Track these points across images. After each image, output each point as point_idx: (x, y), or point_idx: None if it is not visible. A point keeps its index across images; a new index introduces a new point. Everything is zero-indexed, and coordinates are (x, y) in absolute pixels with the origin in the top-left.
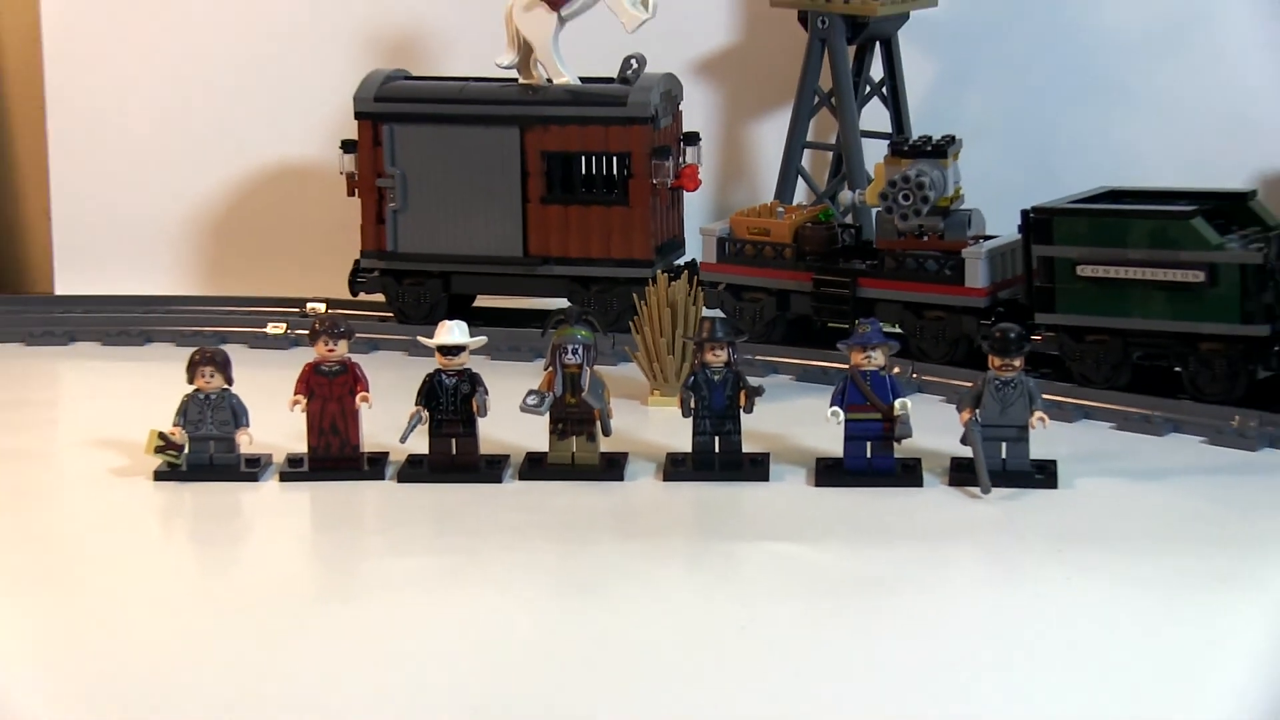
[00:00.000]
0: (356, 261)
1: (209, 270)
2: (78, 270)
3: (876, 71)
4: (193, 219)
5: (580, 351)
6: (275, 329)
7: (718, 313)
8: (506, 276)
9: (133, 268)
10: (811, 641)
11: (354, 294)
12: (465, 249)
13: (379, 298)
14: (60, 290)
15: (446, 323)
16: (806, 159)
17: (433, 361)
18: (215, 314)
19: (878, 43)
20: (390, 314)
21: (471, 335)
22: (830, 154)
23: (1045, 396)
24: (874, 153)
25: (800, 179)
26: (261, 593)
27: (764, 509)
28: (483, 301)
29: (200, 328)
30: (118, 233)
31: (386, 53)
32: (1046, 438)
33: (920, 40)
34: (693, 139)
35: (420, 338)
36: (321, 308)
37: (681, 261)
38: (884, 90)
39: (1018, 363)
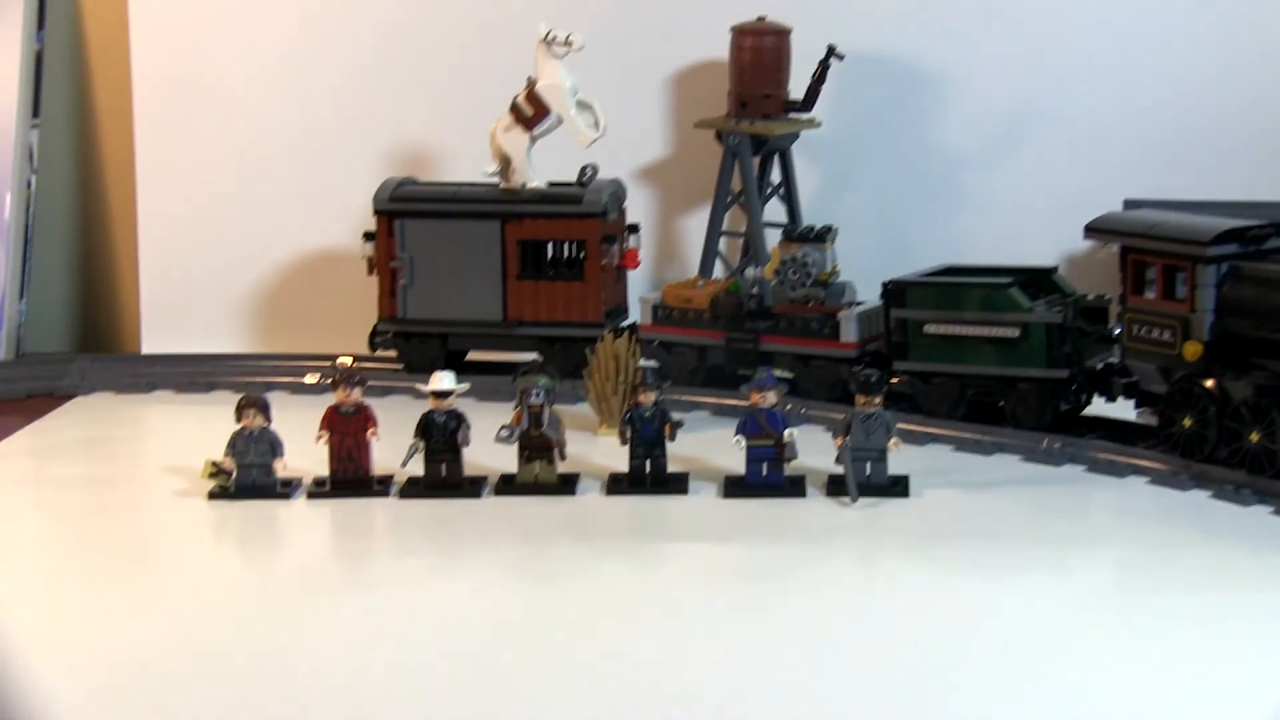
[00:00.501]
0: (375, 325)
1: (262, 332)
2: (159, 332)
3: (777, 176)
4: (250, 291)
5: (541, 394)
6: (311, 379)
7: (652, 363)
8: (490, 336)
9: (202, 329)
10: (718, 619)
11: (373, 350)
12: (459, 315)
13: (392, 353)
14: (145, 350)
15: (438, 373)
16: (723, 244)
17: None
18: (265, 366)
19: (776, 154)
20: (401, 366)
21: (458, 383)
22: (741, 240)
23: (900, 426)
24: (774, 239)
25: (718, 260)
26: (295, 586)
27: (683, 517)
28: (473, 356)
29: (252, 377)
30: (191, 301)
31: (402, 163)
32: (902, 458)
33: (809, 153)
34: (634, 229)
35: (418, 385)
36: (349, 361)
37: (625, 324)
38: (781, 191)
39: (877, 399)
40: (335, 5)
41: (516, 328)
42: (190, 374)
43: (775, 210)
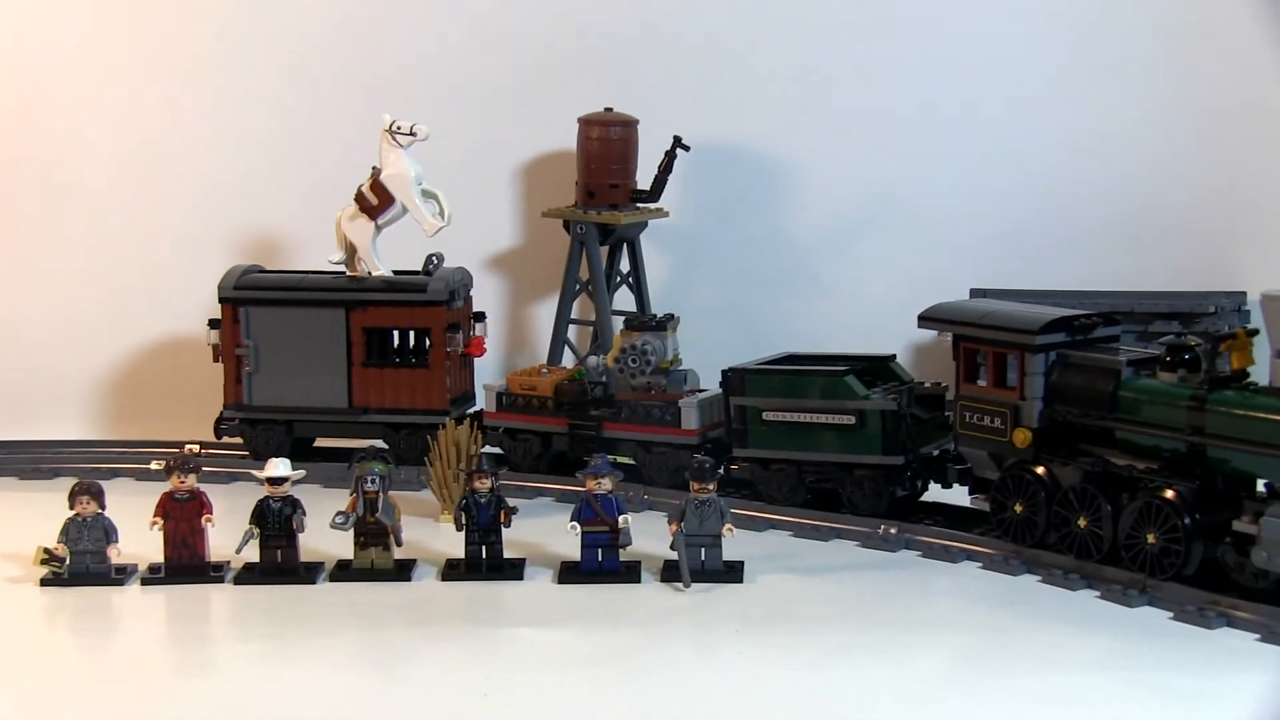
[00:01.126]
0: (221, 412)
1: (109, 419)
2: (4, 418)
3: (626, 265)
4: (95, 378)
5: (377, 481)
6: (156, 465)
7: (495, 449)
8: (336, 423)
9: (48, 415)
10: (554, 704)
11: (218, 437)
12: (304, 402)
13: (239, 440)
14: None
15: (273, 460)
16: (572, 332)
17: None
18: (110, 453)
19: (625, 243)
20: (247, 452)
21: (293, 469)
22: (591, 329)
23: (740, 511)
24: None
25: (567, 347)
26: (128, 670)
27: (519, 602)
28: (320, 442)
29: (97, 464)
30: (36, 386)
31: (250, 250)
32: (739, 543)
33: (658, 241)
34: (480, 317)
35: (253, 471)
36: (195, 448)
37: (472, 410)
38: (630, 279)
39: (711, 486)
40: (182, 94)
41: (362, 414)
42: (34, 461)
43: (625, 298)
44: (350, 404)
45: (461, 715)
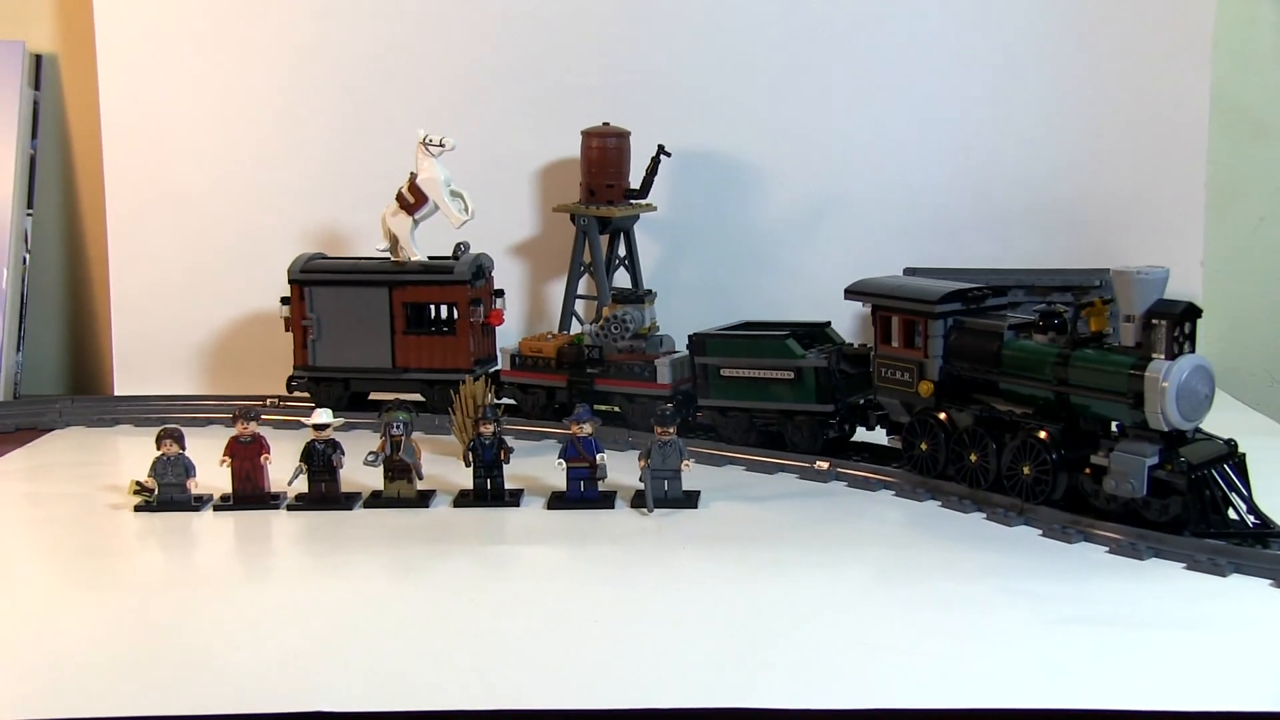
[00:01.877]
0: (291, 372)
1: (205, 377)
2: (128, 378)
3: (623, 251)
4: (195, 344)
5: (401, 426)
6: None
7: (510, 401)
8: (384, 380)
9: (162, 375)
10: (545, 603)
11: (289, 392)
12: (358, 363)
13: (306, 394)
14: (117, 392)
15: (318, 410)
16: (579, 306)
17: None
18: (206, 405)
19: (621, 233)
20: (314, 405)
21: (334, 417)
22: (595, 303)
23: (702, 450)
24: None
25: (574, 319)
26: (206, 578)
27: (516, 524)
28: (373, 396)
29: (195, 414)
30: (152, 352)
31: (314, 241)
32: (701, 476)
33: (650, 231)
34: (500, 293)
35: (302, 419)
36: (275, 400)
37: (492, 370)
38: (626, 262)
39: (672, 429)
40: (262, 118)
41: (404, 373)
42: (145, 411)
43: (624, 278)
44: (394, 364)
45: (472, 612)
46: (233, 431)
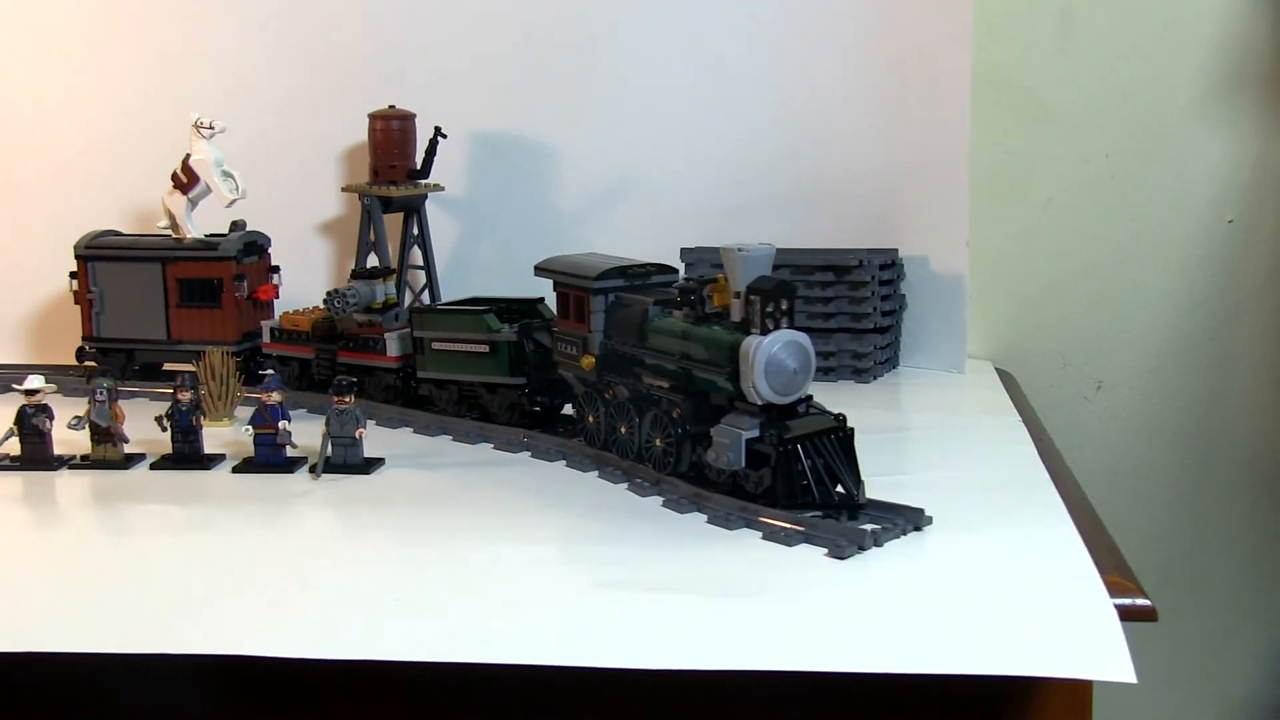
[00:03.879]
0: (81, 343)
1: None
2: None
3: (416, 230)
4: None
5: (104, 392)
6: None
7: (271, 373)
8: (161, 351)
9: None
10: (213, 554)
11: (79, 361)
12: (137, 335)
13: (94, 364)
14: None
15: (30, 376)
16: None
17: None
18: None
19: (413, 212)
20: (98, 373)
21: (46, 384)
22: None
23: (423, 421)
24: (413, 280)
25: None
26: None
27: (205, 486)
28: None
29: None
30: None
31: (131, 216)
32: (389, 442)
33: (449, 211)
34: (275, 269)
35: (13, 385)
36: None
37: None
38: (419, 241)
39: (348, 399)
40: (50, 93)
41: (178, 345)
42: None
43: (418, 257)
44: (169, 336)
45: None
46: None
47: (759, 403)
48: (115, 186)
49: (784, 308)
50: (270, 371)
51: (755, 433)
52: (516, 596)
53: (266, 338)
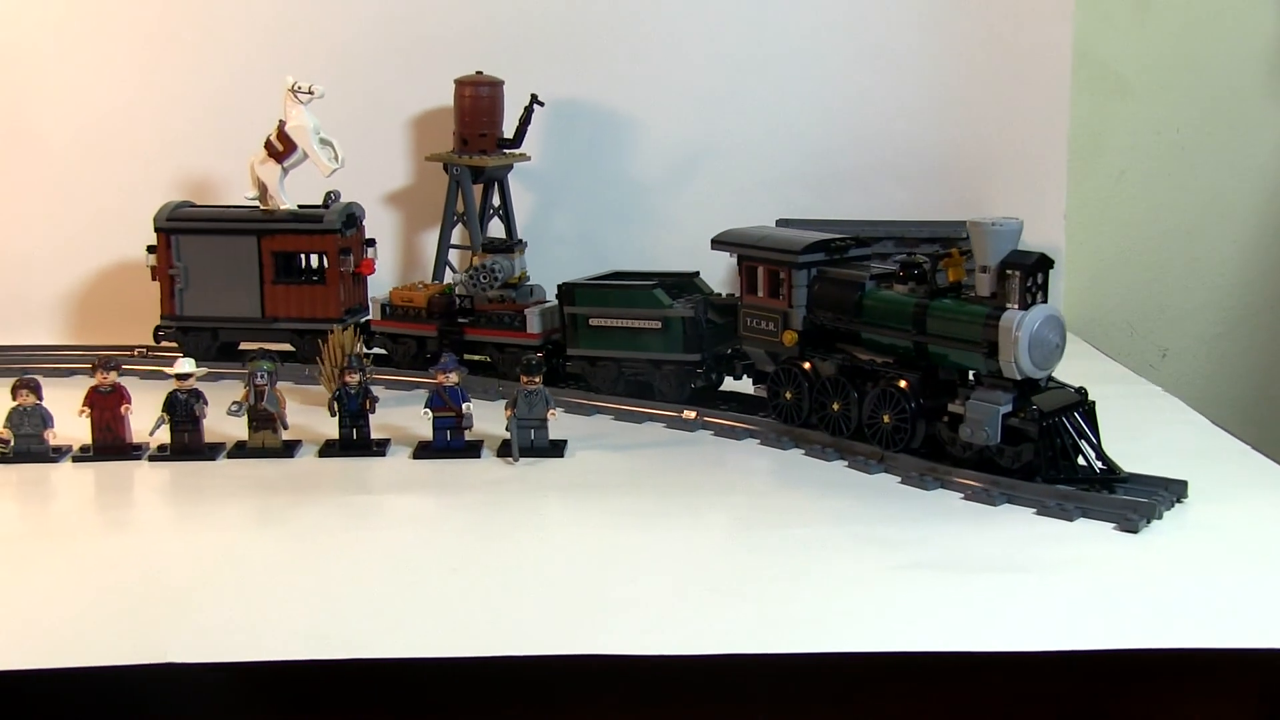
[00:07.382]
0: (159, 322)
1: (71, 328)
2: None
3: (497, 200)
4: (60, 295)
5: (264, 375)
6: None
7: (379, 350)
8: (252, 330)
9: (21, 326)
10: (408, 552)
11: (157, 343)
12: (225, 313)
13: (174, 345)
14: None
15: (180, 359)
16: (453, 256)
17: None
18: (71, 356)
19: (495, 182)
20: (182, 355)
21: (196, 367)
22: (469, 253)
23: (572, 400)
24: None
25: (448, 268)
26: (60, 529)
27: (382, 474)
28: (242, 345)
29: (59, 365)
30: (12, 304)
31: (184, 189)
32: (570, 426)
33: (525, 181)
34: (371, 243)
35: (165, 369)
36: (143, 350)
37: (364, 319)
38: (500, 212)
39: (537, 379)
40: (131, 66)
41: (273, 323)
42: (8, 362)
43: (499, 228)
44: (263, 314)
45: (335, 564)
46: (92, 381)
47: (1018, 377)
48: (162, 154)
49: (1039, 282)
50: (444, 353)
51: (1009, 407)
52: (818, 582)
53: (375, 314)
